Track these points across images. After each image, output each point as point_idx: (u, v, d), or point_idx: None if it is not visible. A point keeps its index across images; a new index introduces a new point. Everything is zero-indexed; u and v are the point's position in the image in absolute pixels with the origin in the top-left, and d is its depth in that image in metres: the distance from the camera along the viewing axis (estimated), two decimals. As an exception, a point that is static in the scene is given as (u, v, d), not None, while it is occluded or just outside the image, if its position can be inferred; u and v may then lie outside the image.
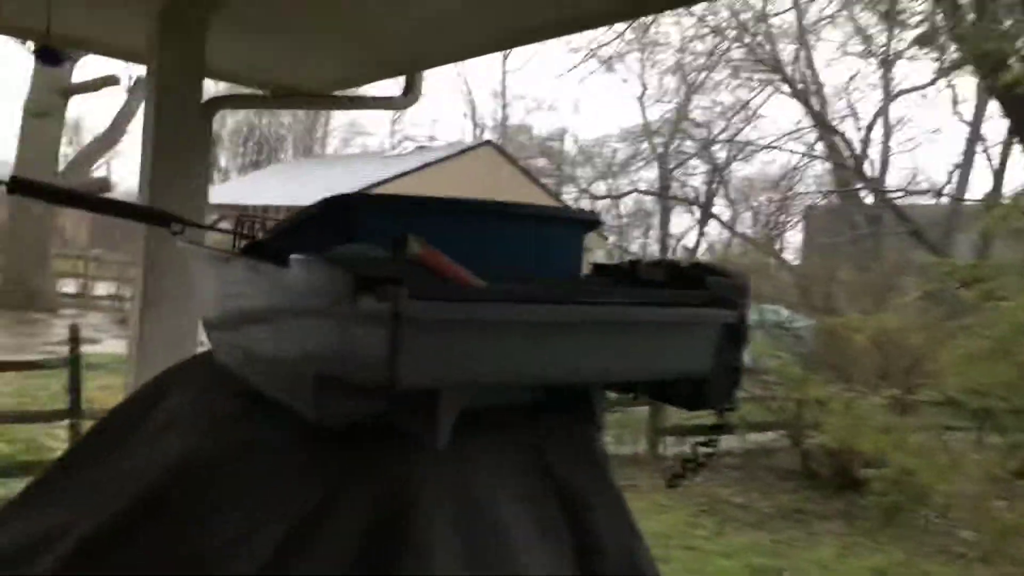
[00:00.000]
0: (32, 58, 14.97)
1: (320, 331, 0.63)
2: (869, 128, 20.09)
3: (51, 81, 15.54)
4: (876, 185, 18.70)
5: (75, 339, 6.23)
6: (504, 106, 34.06)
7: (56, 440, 6.59)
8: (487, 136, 30.74)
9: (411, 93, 3.05)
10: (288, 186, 12.35)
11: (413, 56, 2.99)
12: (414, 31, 2.71)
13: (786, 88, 19.98)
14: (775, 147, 23.00)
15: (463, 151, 10.14)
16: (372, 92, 3.24)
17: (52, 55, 2.43)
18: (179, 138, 2.48)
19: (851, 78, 21.80)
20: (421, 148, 11.95)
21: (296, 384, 0.70)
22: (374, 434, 0.67)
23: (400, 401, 0.61)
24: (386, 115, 37.99)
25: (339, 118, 40.79)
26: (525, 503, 0.70)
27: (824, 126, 19.47)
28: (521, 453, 0.73)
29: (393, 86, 3.29)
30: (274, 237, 0.82)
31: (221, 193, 17.35)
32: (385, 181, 9.54)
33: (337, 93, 3.10)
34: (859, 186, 19.49)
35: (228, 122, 38.43)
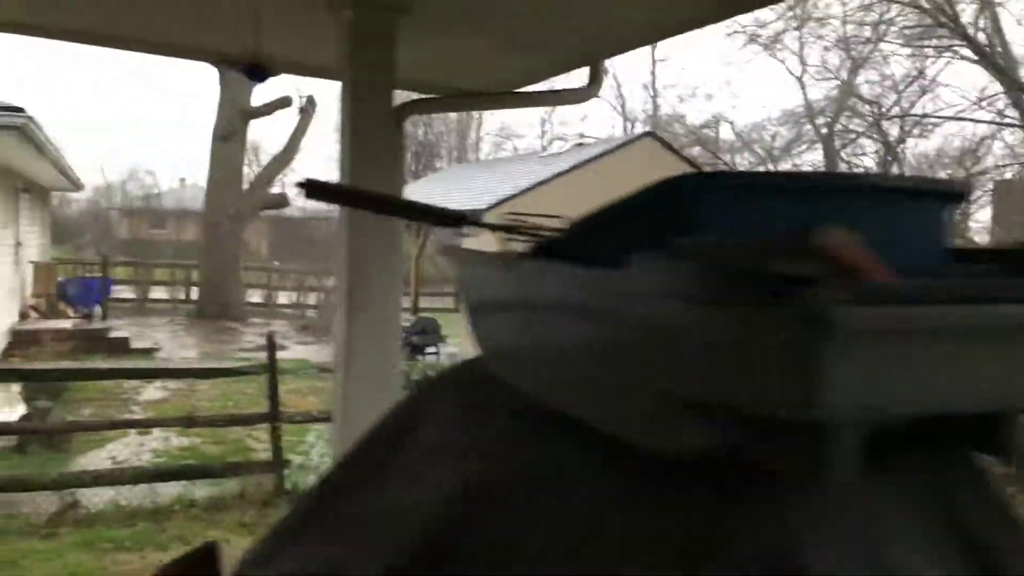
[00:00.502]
0: (218, 84, 16.22)
1: (688, 345, 0.51)
2: (1074, 88, 17.76)
3: (234, 106, 16.91)
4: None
5: (272, 346, 6.64)
6: (654, 97, 33.43)
7: (258, 442, 7.08)
8: (639, 129, 30.28)
9: (595, 83, 2.93)
10: (451, 192, 12.69)
11: (597, 44, 2.88)
12: (598, 18, 2.60)
13: (968, 52, 18.09)
14: (959, 118, 20.93)
15: (623, 144, 9.91)
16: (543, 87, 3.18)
17: (260, 71, 2.53)
18: (373, 146, 2.51)
19: (1050, 34, 19.53)
20: (579, 145, 11.83)
21: (629, 406, 0.58)
22: (727, 469, 0.54)
23: (787, 431, 0.48)
24: (535, 116, 38.34)
25: (490, 123, 41.70)
26: (933, 562, 0.54)
27: (1018, 89, 17.45)
28: (925, 497, 0.58)
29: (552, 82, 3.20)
30: (574, 235, 0.72)
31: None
32: (545, 181, 9.52)
33: (519, 90, 3.04)
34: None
35: (387, 134, 40.26)
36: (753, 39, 25.90)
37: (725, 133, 28.64)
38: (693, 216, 0.57)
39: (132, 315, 16.66)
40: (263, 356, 14.54)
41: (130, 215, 31.99)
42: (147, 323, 15.92)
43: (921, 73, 21.59)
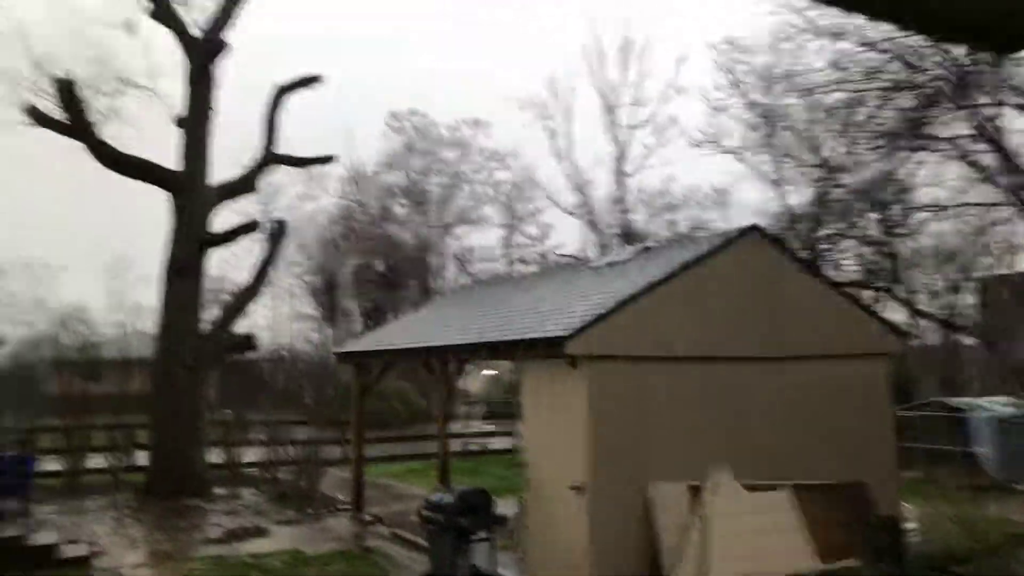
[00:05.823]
0: (171, 209, 13.40)
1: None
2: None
3: (190, 233, 14.37)
4: None
5: None
6: (625, 212, 31.98)
7: None
8: (614, 244, 28.59)
9: None
10: (488, 316, 10.14)
11: None
12: None
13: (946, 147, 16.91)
14: (948, 207, 19.54)
15: (726, 243, 7.73)
16: None
17: None
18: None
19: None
20: (647, 249, 9.67)
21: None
22: None
23: None
24: (489, 239, 35.49)
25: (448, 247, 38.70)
26: None
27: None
28: None
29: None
30: None
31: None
32: (640, 293, 7.16)
33: None
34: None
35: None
36: (725, 151, 24.87)
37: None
38: None
39: (61, 497, 13.22)
40: (238, 550, 10.75)
41: (61, 368, 27.95)
42: (81, 508, 12.56)
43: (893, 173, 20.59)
